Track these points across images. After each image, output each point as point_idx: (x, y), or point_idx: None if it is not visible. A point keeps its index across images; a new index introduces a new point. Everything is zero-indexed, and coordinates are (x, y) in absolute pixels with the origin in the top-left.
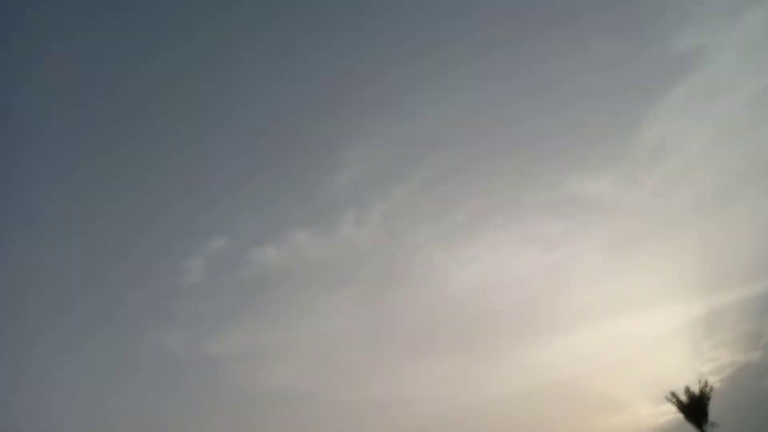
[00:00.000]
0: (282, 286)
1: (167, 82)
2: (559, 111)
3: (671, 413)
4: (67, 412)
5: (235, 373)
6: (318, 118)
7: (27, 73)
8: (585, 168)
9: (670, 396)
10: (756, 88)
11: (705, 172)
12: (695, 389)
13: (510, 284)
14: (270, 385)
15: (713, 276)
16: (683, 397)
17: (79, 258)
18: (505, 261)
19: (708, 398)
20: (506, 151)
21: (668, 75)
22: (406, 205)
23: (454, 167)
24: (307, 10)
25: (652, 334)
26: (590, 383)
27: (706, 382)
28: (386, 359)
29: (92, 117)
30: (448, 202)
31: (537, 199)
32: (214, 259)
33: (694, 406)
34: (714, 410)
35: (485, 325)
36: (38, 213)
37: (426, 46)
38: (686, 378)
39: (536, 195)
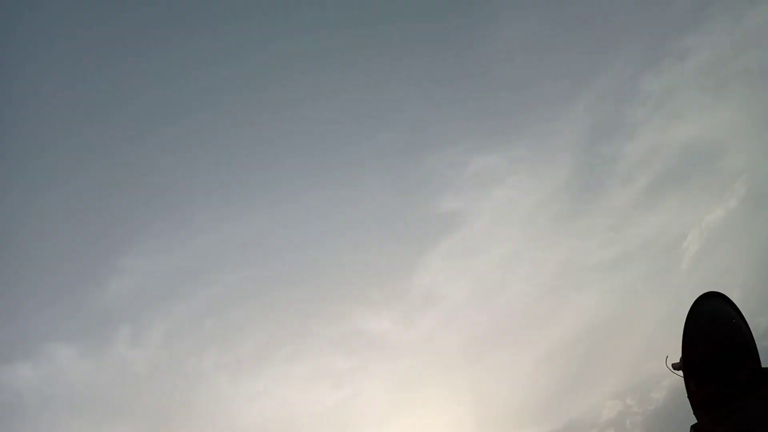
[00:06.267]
0: (39, 415)
1: None
2: (345, 249)
3: None
4: None
5: None
6: (94, 209)
7: None
8: (368, 304)
9: None
10: (504, 252)
11: (467, 320)
12: None
13: (300, 422)
14: None
15: (486, 419)
16: None
17: None
18: (295, 396)
19: None
20: (296, 279)
21: (435, 231)
22: (190, 326)
23: (243, 289)
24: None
25: None
26: None
27: None
28: None
29: None
30: (236, 328)
31: (325, 332)
32: None
33: None
34: None
35: None
36: None
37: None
38: None
39: (324, 328)
